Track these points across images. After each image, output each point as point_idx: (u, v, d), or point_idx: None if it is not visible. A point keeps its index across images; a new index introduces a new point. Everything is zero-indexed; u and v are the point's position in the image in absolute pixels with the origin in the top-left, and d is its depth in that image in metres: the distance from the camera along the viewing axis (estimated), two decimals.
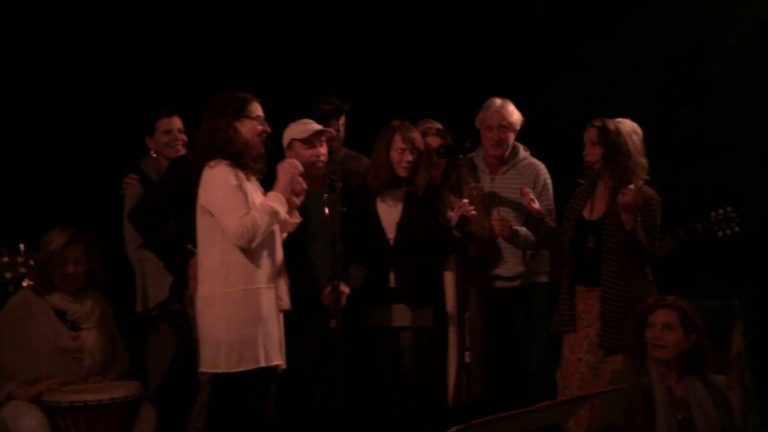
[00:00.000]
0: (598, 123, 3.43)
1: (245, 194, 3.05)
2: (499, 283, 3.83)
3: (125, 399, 3.26)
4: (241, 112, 3.12)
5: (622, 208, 3.30)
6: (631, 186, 3.31)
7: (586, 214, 3.51)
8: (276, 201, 3.08)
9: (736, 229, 3.77)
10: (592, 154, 3.43)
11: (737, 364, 3.55)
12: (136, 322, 3.79)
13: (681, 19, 4.67)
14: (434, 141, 3.75)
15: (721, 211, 3.78)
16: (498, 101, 3.88)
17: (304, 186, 3.20)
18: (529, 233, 3.73)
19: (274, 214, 3.06)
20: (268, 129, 3.21)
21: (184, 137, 3.89)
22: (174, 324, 3.74)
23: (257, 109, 3.18)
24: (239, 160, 3.10)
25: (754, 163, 4.49)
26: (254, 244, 3.04)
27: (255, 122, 3.13)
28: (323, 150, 3.57)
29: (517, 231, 3.74)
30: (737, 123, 4.58)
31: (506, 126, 3.84)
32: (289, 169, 3.14)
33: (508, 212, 3.82)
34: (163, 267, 3.57)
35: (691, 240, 3.82)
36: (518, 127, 3.90)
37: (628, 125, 3.47)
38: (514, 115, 3.87)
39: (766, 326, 3.98)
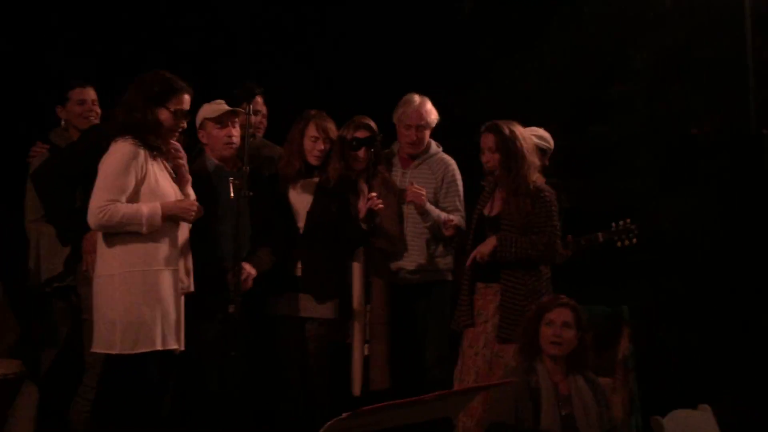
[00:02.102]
0: (494, 129, 3.49)
1: (131, 182, 2.94)
2: (402, 276, 3.82)
3: (5, 377, 3.09)
4: (164, 101, 3.01)
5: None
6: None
7: (486, 211, 3.60)
8: (149, 217, 2.95)
9: (634, 240, 3.91)
10: (492, 160, 3.51)
11: (622, 368, 3.68)
12: (28, 296, 3.63)
13: (592, 41, 4.86)
14: (356, 134, 3.72)
15: (621, 223, 3.91)
16: (417, 99, 3.89)
17: (188, 177, 3.14)
18: (440, 215, 3.77)
19: (137, 224, 2.94)
20: (185, 125, 3.12)
21: (98, 109, 3.77)
22: (68, 300, 3.60)
23: (182, 102, 3.06)
24: (148, 140, 3.00)
25: (651, 180, 4.71)
26: (99, 231, 2.97)
27: (173, 116, 3.03)
28: (235, 131, 3.49)
29: (427, 208, 3.76)
30: (638, 141, 4.79)
31: (423, 125, 3.87)
32: (188, 206, 3.05)
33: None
34: (57, 237, 3.43)
35: (591, 248, 3.96)
36: (434, 125, 3.92)
37: (516, 126, 3.55)
38: (432, 114, 3.89)
39: (651, 333, 4.17)
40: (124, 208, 2.94)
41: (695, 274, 4.42)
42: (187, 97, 3.09)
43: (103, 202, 2.93)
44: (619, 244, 3.89)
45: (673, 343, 4.33)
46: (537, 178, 3.53)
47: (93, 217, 2.95)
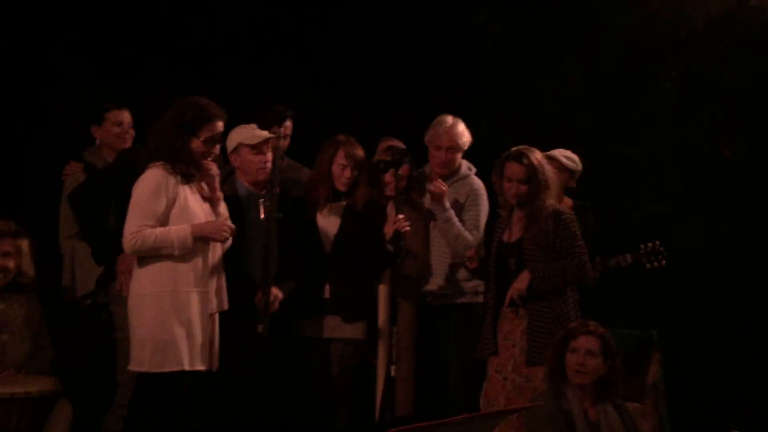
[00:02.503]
0: (525, 161, 3.43)
1: (162, 207, 2.99)
2: (429, 300, 3.80)
3: (40, 394, 3.10)
4: (196, 130, 3.04)
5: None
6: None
7: (505, 237, 3.55)
8: (181, 239, 2.99)
9: (663, 262, 3.87)
10: (519, 190, 3.43)
11: (652, 393, 3.64)
12: (62, 314, 3.68)
13: (621, 61, 4.85)
14: (382, 156, 3.69)
15: (650, 245, 3.87)
16: (449, 120, 3.84)
17: (220, 196, 3.16)
18: (456, 225, 3.71)
19: (169, 248, 2.98)
20: (217, 151, 3.15)
21: (133, 131, 3.83)
22: (100, 318, 3.64)
23: (215, 128, 3.08)
24: (179, 167, 3.05)
25: (678, 201, 4.68)
26: (134, 255, 3.02)
27: (203, 145, 3.06)
28: (269, 156, 3.51)
29: (448, 208, 3.71)
30: (666, 162, 4.77)
31: (455, 147, 3.82)
32: (218, 226, 3.08)
33: None
34: (92, 257, 3.49)
35: (619, 270, 3.93)
36: (466, 148, 3.88)
37: (541, 156, 3.49)
38: (464, 136, 3.84)
39: (682, 358, 4.12)
40: (155, 233, 3.00)
41: (724, 297, 4.37)
42: (220, 124, 3.11)
43: (136, 227, 2.99)
44: (648, 266, 3.86)
45: (703, 367, 4.27)
46: (555, 201, 3.49)
47: (127, 243, 3.02)
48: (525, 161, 3.44)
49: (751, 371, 4.17)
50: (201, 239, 3.07)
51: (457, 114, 3.94)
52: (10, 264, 3.28)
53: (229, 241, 3.22)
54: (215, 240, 3.11)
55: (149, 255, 3.03)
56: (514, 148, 3.52)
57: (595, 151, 4.74)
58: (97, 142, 3.86)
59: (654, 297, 4.30)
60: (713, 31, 4.68)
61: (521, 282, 3.39)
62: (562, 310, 3.39)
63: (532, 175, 3.43)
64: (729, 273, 4.47)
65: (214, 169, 3.17)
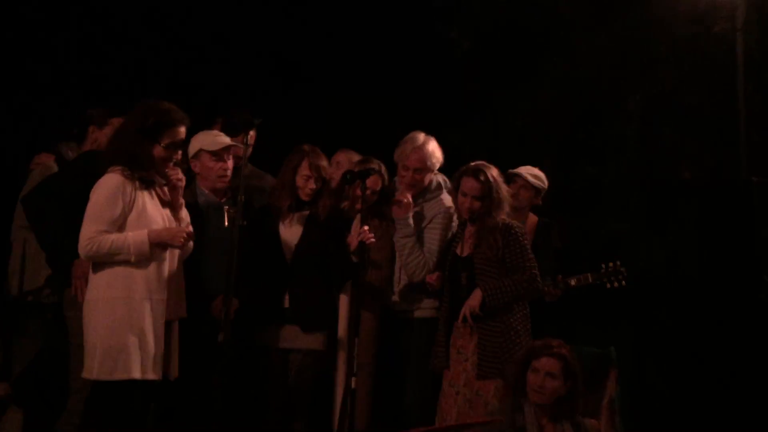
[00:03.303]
0: (482, 177, 3.43)
1: (119, 213, 2.92)
2: (390, 312, 3.73)
3: None
4: (158, 136, 2.96)
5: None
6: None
7: (458, 251, 3.55)
8: (138, 246, 2.93)
9: (623, 282, 3.89)
10: (474, 206, 3.43)
11: (609, 409, 3.66)
12: (7, 312, 3.58)
13: (587, 82, 4.93)
14: (373, 181, 3.61)
15: (611, 264, 3.88)
16: (420, 139, 3.70)
17: (182, 202, 3.10)
18: (414, 241, 3.64)
19: (126, 254, 2.92)
20: (179, 156, 3.06)
21: None
22: (44, 317, 3.57)
23: (177, 134, 3.00)
24: (138, 173, 2.97)
25: (640, 221, 4.75)
26: (89, 261, 2.95)
27: (165, 151, 2.98)
28: (230, 164, 3.47)
29: (410, 224, 3.63)
30: (629, 182, 4.84)
31: (422, 168, 3.69)
32: (176, 233, 3.01)
33: None
34: (47, 262, 3.41)
35: (580, 289, 3.96)
36: (436, 168, 3.76)
37: (497, 174, 3.49)
38: (434, 156, 3.71)
39: (639, 375, 4.16)
40: (111, 239, 2.92)
41: (682, 317, 4.43)
42: (182, 129, 3.04)
43: (92, 233, 2.91)
44: (608, 285, 3.88)
45: (660, 384, 4.32)
46: (506, 216, 3.50)
47: (82, 248, 2.94)
48: (482, 177, 3.45)
49: (707, 389, 4.23)
50: (158, 245, 3.00)
51: (426, 129, 3.87)
52: None
53: (191, 246, 3.15)
54: (172, 246, 3.04)
55: (105, 261, 2.94)
56: (473, 163, 3.52)
57: (562, 170, 4.80)
58: (88, 142, 3.72)
59: (614, 315, 4.35)
60: (678, 55, 4.78)
61: (474, 300, 3.39)
62: (511, 324, 3.40)
63: (487, 192, 3.44)
64: (687, 292, 4.53)
65: (182, 178, 3.09)
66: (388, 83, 4.73)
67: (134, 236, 2.95)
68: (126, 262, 2.95)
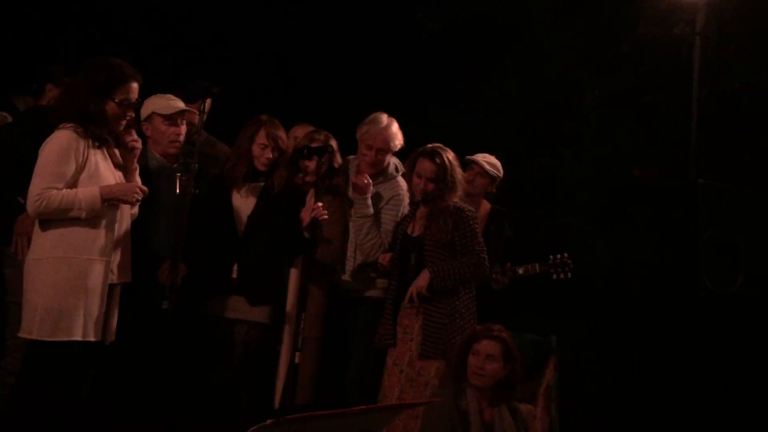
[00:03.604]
0: (438, 160, 3.45)
1: (70, 170, 2.86)
2: (340, 289, 3.74)
3: None
4: (110, 92, 2.91)
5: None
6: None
7: (409, 230, 3.58)
8: (89, 202, 2.87)
9: (569, 274, 3.95)
10: (427, 188, 3.45)
11: (546, 395, 3.75)
12: None
13: (549, 76, 4.98)
14: (315, 144, 3.60)
15: (559, 256, 3.92)
16: (384, 120, 3.74)
17: (137, 166, 3.04)
18: (372, 221, 3.67)
19: (77, 210, 2.86)
20: (132, 114, 3.02)
21: None
22: None
23: (130, 91, 2.95)
24: (91, 130, 2.91)
25: (590, 216, 4.84)
26: (40, 218, 2.88)
27: (118, 107, 2.93)
28: (183, 129, 3.42)
29: (369, 204, 3.65)
30: (584, 177, 4.93)
31: (385, 150, 3.74)
32: (129, 189, 2.96)
33: None
34: None
35: (527, 278, 4.02)
36: (397, 150, 3.80)
37: (453, 157, 3.51)
38: (396, 138, 3.76)
39: (577, 363, 4.27)
40: (62, 194, 2.85)
41: (623, 312, 4.54)
42: (135, 86, 2.98)
43: (41, 189, 2.85)
44: (554, 276, 3.94)
45: (599, 376, 4.44)
46: (459, 198, 3.52)
47: (31, 204, 2.87)
48: (437, 160, 3.47)
49: (647, 381, 4.36)
50: (110, 201, 2.93)
51: (387, 110, 3.87)
52: None
53: (136, 210, 3.10)
54: (125, 202, 2.97)
55: (55, 217, 2.87)
56: (429, 145, 3.54)
57: (519, 161, 4.86)
58: (44, 99, 3.59)
59: (560, 306, 4.43)
60: (638, 55, 4.86)
61: (422, 280, 3.42)
62: (457, 307, 3.44)
63: (442, 174, 3.46)
64: (631, 287, 4.65)
65: (138, 140, 3.04)
66: (353, 60, 4.71)
67: (85, 192, 2.89)
68: (76, 221, 2.88)
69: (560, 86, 4.96)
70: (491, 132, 4.90)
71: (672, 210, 4.59)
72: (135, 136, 3.05)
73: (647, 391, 4.30)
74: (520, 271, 3.94)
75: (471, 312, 3.48)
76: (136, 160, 3.08)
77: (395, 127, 3.78)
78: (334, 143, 3.71)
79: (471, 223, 3.49)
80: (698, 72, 4.60)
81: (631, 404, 4.28)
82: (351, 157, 3.90)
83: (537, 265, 3.95)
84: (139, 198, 3.00)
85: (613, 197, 4.93)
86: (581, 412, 4.00)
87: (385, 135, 3.73)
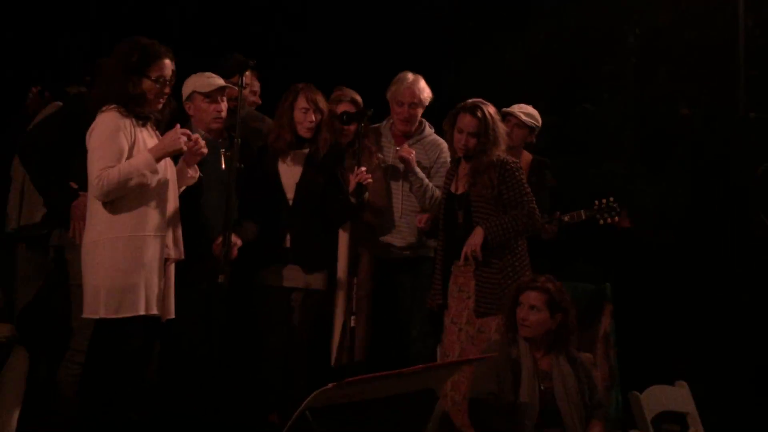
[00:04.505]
0: (479, 114, 3.44)
1: (123, 147, 2.94)
2: (390, 252, 3.83)
3: None
4: (145, 70, 2.98)
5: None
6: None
7: (452, 188, 3.58)
8: (144, 163, 2.95)
9: (616, 218, 3.93)
10: (469, 143, 3.45)
11: (604, 343, 3.76)
12: (6, 245, 3.60)
13: (584, 18, 4.86)
14: (346, 108, 3.73)
15: (604, 201, 3.92)
16: (410, 77, 3.87)
17: (205, 151, 3.11)
18: (426, 185, 3.76)
19: (139, 175, 2.93)
20: (168, 90, 3.07)
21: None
22: (45, 257, 3.58)
23: (165, 67, 3.02)
24: (133, 110, 2.98)
25: (636, 159, 4.76)
26: (108, 199, 2.95)
27: (155, 84, 2.99)
28: (224, 106, 3.48)
29: (419, 171, 3.76)
30: (626, 121, 4.83)
31: (416, 103, 3.85)
32: (171, 137, 3.00)
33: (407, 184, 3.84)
34: (45, 206, 3.42)
35: (574, 225, 3.99)
36: (427, 103, 3.91)
37: (494, 111, 3.51)
38: (425, 92, 3.88)
39: (633, 310, 4.24)
40: (118, 168, 2.93)
41: (676, 254, 4.48)
42: (167, 62, 3.04)
43: (99, 170, 2.92)
44: (601, 221, 3.92)
45: (653, 320, 4.41)
46: (502, 152, 3.51)
47: (94, 189, 2.95)
48: (479, 114, 3.46)
49: (699, 325, 4.32)
50: (162, 156, 2.99)
51: (419, 71, 3.94)
52: None
53: (197, 172, 3.16)
54: (176, 151, 3.02)
55: (120, 193, 2.93)
56: (470, 101, 3.53)
57: (558, 108, 4.78)
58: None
59: (610, 252, 4.40)
60: None
61: (476, 238, 3.41)
62: (510, 261, 3.45)
63: (483, 129, 3.45)
64: (681, 231, 4.58)
65: (203, 146, 3.09)
66: (381, 25, 4.66)
67: (136, 158, 2.97)
68: (124, 200, 2.94)
69: (596, 29, 4.83)
70: (528, 81, 4.82)
71: (722, 147, 4.48)
72: (200, 142, 3.09)
73: (704, 336, 4.27)
74: (566, 219, 3.93)
75: (524, 264, 3.50)
76: (197, 160, 3.14)
77: (422, 81, 3.90)
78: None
79: (517, 174, 3.48)
80: (743, 1, 4.44)
81: (689, 350, 4.25)
82: (378, 125, 3.95)
83: (582, 212, 3.93)
84: (185, 141, 3.03)
85: (659, 139, 4.83)
86: (640, 359, 3.99)
87: (413, 89, 3.86)
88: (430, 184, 3.81)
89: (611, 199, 3.93)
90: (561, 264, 3.78)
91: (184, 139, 3.03)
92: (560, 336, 3.16)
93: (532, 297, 3.13)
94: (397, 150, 3.81)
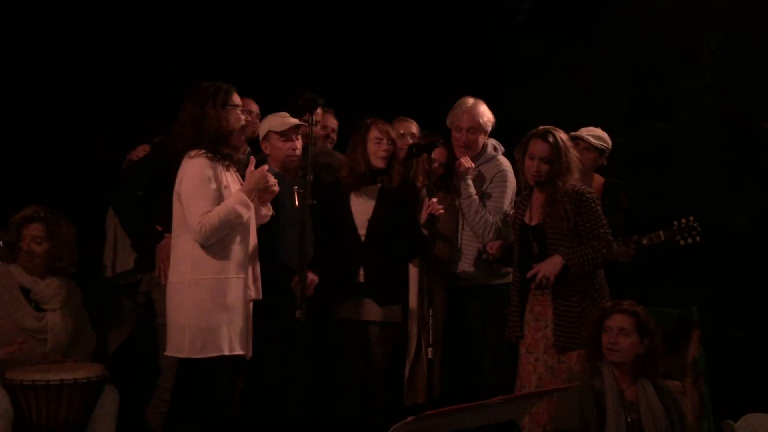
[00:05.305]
0: (551, 139, 3.42)
1: (216, 190, 3.08)
2: (458, 282, 3.81)
3: (88, 380, 3.24)
4: (227, 102, 3.15)
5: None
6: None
7: (527, 219, 3.54)
8: (238, 202, 3.09)
9: (698, 238, 3.80)
10: (541, 169, 3.41)
11: (693, 370, 3.63)
12: (102, 292, 3.78)
13: (656, 33, 4.78)
14: (414, 141, 3.79)
15: (684, 220, 3.82)
16: (470, 101, 3.86)
17: (276, 190, 3.23)
18: (477, 201, 3.74)
19: (237, 216, 3.08)
20: (246, 119, 3.26)
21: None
22: (135, 300, 3.75)
23: (238, 98, 3.21)
24: (222, 150, 3.13)
25: (717, 177, 4.61)
26: (209, 242, 3.07)
27: (239, 111, 3.18)
28: (299, 143, 3.61)
29: (470, 184, 3.75)
30: (704, 138, 4.69)
31: (475, 128, 3.82)
32: (259, 174, 3.16)
33: None
34: (133, 248, 3.60)
35: (653, 247, 3.89)
36: (489, 129, 3.89)
37: (566, 137, 3.48)
38: (485, 116, 3.85)
39: (722, 335, 4.09)
40: (216, 210, 3.07)
41: (763, 274, 4.30)
42: (236, 94, 3.22)
43: (199, 215, 3.06)
44: (682, 242, 3.80)
45: (744, 345, 4.23)
46: (578, 182, 3.48)
47: (197, 234, 3.08)
48: (550, 139, 3.43)
49: None
50: (252, 193, 3.14)
51: (487, 96, 3.95)
52: (38, 249, 3.44)
53: (270, 210, 3.28)
54: (266, 190, 3.16)
55: (221, 234, 3.07)
56: (541, 127, 3.52)
57: (632, 129, 4.70)
58: None
59: (694, 275, 4.26)
60: (750, 1, 4.58)
61: (552, 266, 3.35)
62: (590, 294, 3.39)
63: (556, 155, 3.41)
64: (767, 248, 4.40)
65: (275, 184, 3.24)
66: (446, 50, 4.70)
67: (231, 199, 3.12)
68: (210, 246, 3.06)
69: (669, 46, 4.74)
70: (599, 104, 4.76)
71: None
72: (273, 180, 3.23)
73: None
74: (645, 242, 3.83)
75: (604, 295, 3.44)
76: (270, 198, 3.28)
77: (483, 106, 3.88)
78: (443, 139, 3.75)
79: (593, 205, 3.43)
80: None
81: None
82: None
83: (661, 233, 3.83)
84: (274, 181, 3.18)
85: (738, 153, 4.68)
86: (731, 386, 3.83)
87: (472, 113, 3.84)
88: (475, 202, 3.75)
89: (691, 218, 3.81)
90: (643, 290, 3.69)
91: (272, 179, 3.17)
92: (647, 363, 3.09)
93: (621, 320, 3.07)
94: (458, 163, 3.78)
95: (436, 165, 3.70)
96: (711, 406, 3.64)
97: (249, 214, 3.13)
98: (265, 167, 3.23)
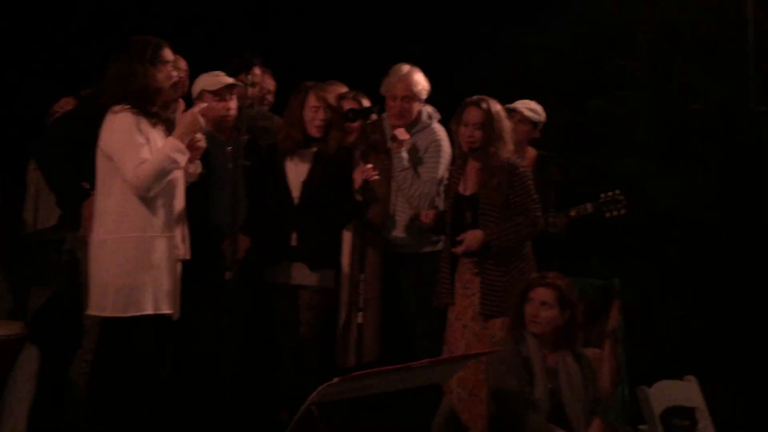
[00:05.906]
0: (484, 105, 3.49)
1: (145, 142, 3.03)
2: (394, 246, 3.85)
3: (6, 338, 3.18)
4: (158, 58, 3.09)
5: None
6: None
7: (461, 189, 3.61)
8: (172, 148, 3.05)
9: (623, 211, 3.84)
10: (474, 136, 3.49)
11: (611, 339, 3.78)
12: (23, 248, 3.72)
13: (595, 13, 4.88)
14: (350, 105, 3.77)
15: (609, 193, 3.86)
16: (405, 69, 3.81)
17: (204, 145, 3.20)
18: (412, 173, 3.74)
19: (172, 161, 3.04)
20: (175, 75, 3.21)
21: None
22: (59, 258, 3.70)
23: (169, 54, 3.15)
24: (149, 108, 3.08)
25: (650, 156, 4.76)
26: (152, 192, 3.02)
27: (170, 68, 3.12)
28: (233, 104, 3.58)
29: (404, 156, 3.72)
30: (639, 117, 4.83)
31: (410, 96, 3.77)
32: (190, 117, 3.11)
33: None
34: (58, 206, 3.53)
35: (580, 219, 3.98)
36: (423, 97, 3.86)
37: (500, 107, 3.56)
38: (420, 84, 3.80)
39: (641, 305, 4.26)
40: (150, 160, 3.02)
41: (688, 251, 4.48)
42: (169, 49, 3.15)
43: (133, 167, 3.00)
44: (607, 214, 3.88)
45: (662, 316, 4.42)
46: (512, 153, 3.56)
47: (135, 188, 3.02)
48: (484, 106, 3.51)
49: (708, 320, 4.32)
50: (185, 137, 3.07)
51: (429, 66, 3.94)
52: None
53: (198, 167, 3.24)
54: (196, 129, 3.10)
55: (161, 184, 3.02)
56: (476, 96, 3.57)
57: (568, 105, 4.80)
58: None
59: (621, 248, 4.41)
60: None
61: (474, 242, 3.46)
62: (516, 264, 3.50)
63: (488, 121, 3.49)
64: (698, 226, 4.58)
65: (202, 139, 3.19)
66: (394, 18, 4.70)
67: (163, 146, 3.05)
68: (132, 200, 3.02)
69: (607, 25, 4.85)
70: (538, 77, 4.84)
71: (735, 141, 4.47)
72: (201, 137, 3.17)
73: (715, 332, 4.26)
74: (573, 213, 3.90)
75: (530, 267, 3.55)
76: (198, 156, 3.22)
77: (418, 74, 3.83)
78: (367, 102, 3.75)
79: (525, 180, 3.53)
80: None
81: (698, 346, 4.26)
82: (385, 114, 3.96)
83: (588, 205, 3.90)
84: (201, 136, 3.13)
85: (672, 134, 4.83)
86: (648, 355, 4.00)
87: (406, 82, 3.79)
88: (410, 174, 3.75)
89: (617, 191, 3.91)
90: (570, 261, 3.81)
91: (200, 119, 3.10)
92: (567, 332, 3.20)
93: (543, 293, 3.17)
94: (393, 134, 3.78)
95: (370, 130, 3.69)
96: (627, 373, 3.80)
97: (185, 160, 3.07)
98: (195, 108, 3.16)
